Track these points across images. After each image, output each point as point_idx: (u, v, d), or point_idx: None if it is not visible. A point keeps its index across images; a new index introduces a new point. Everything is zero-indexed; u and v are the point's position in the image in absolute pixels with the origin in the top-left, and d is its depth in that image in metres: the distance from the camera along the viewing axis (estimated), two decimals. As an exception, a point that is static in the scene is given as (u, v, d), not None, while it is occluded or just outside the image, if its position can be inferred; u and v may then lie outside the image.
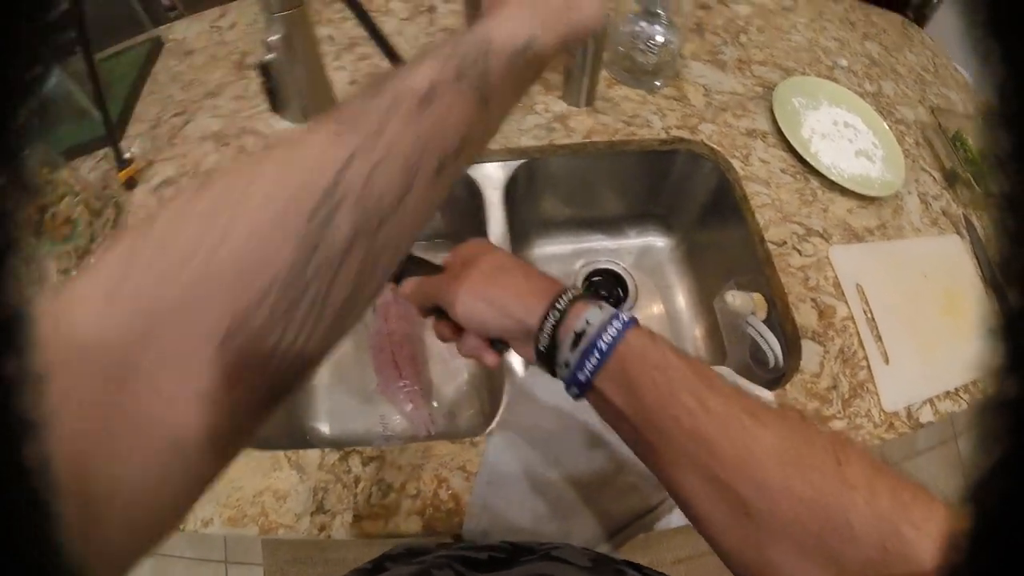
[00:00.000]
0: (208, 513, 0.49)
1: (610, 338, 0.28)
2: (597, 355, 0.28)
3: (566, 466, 0.52)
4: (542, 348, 0.31)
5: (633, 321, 0.30)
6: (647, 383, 0.27)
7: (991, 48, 0.09)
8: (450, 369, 0.72)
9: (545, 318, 0.30)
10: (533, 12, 0.26)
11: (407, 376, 0.68)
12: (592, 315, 0.29)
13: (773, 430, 0.25)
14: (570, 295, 0.31)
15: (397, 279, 0.37)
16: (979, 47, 0.09)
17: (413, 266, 0.37)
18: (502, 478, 0.52)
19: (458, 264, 0.35)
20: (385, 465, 0.53)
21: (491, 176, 0.69)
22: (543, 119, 0.71)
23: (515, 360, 0.58)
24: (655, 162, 0.74)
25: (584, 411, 0.53)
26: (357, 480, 0.51)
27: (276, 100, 0.64)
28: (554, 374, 0.32)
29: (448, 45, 0.24)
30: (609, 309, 0.30)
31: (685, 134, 0.71)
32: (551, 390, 0.55)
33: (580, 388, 0.30)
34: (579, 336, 0.29)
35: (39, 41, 0.09)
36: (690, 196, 0.77)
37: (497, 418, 0.55)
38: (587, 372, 0.29)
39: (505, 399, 0.56)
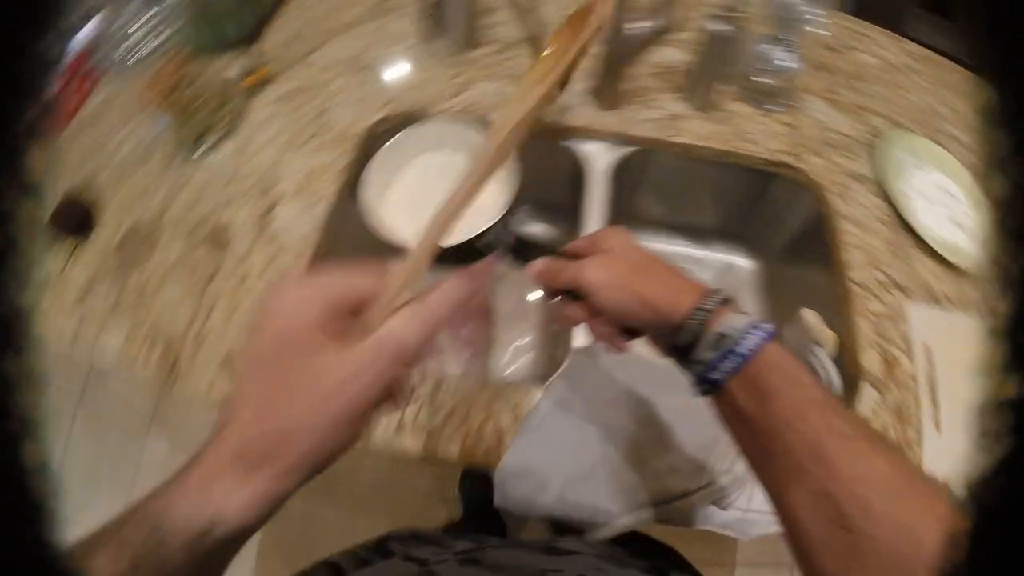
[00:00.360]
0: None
1: (752, 344, 0.30)
2: (737, 358, 0.30)
3: (611, 437, 0.54)
4: (682, 343, 0.32)
5: (773, 333, 0.31)
6: (778, 394, 0.29)
7: (990, 48, 0.09)
8: (514, 330, 0.74)
9: (691, 316, 0.31)
10: (212, 492, 0.22)
11: (472, 327, 0.70)
12: (736, 320, 0.31)
13: (886, 458, 0.26)
14: (718, 297, 0.32)
15: (521, 259, 0.38)
16: (978, 47, 0.09)
17: (534, 248, 0.38)
18: (548, 430, 0.54)
19: (600, 251, 0.36)
20: (441, 390, 0.56)
21: (599, 156, 0.71)
22: (658, 114, 0.74)
23: (582, 330, 0.61)
24: (756, 181, 0.75)
25: (641, 392, 0.56)
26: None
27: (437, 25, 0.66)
28: (683, 368, 0.34)
29: (125, 526, 0.21)
30: (752, 317, 0.31)
31: (790, 160, 0.72)
32: (614, 366, 0.57)
33: (711, 386, 0.31)
34: (721, 337, 0.30)
35: (40, 44, 0.09)
36: (782, 223, 0.78)
37: (555, 376, 0.57)
38: (723, 372, 0.30)
39: (566, 363, 0.58)
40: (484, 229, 0.51)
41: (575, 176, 0.72)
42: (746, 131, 0.74)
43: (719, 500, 0.52)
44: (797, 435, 0.28)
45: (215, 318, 0.61)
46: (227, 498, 0.22)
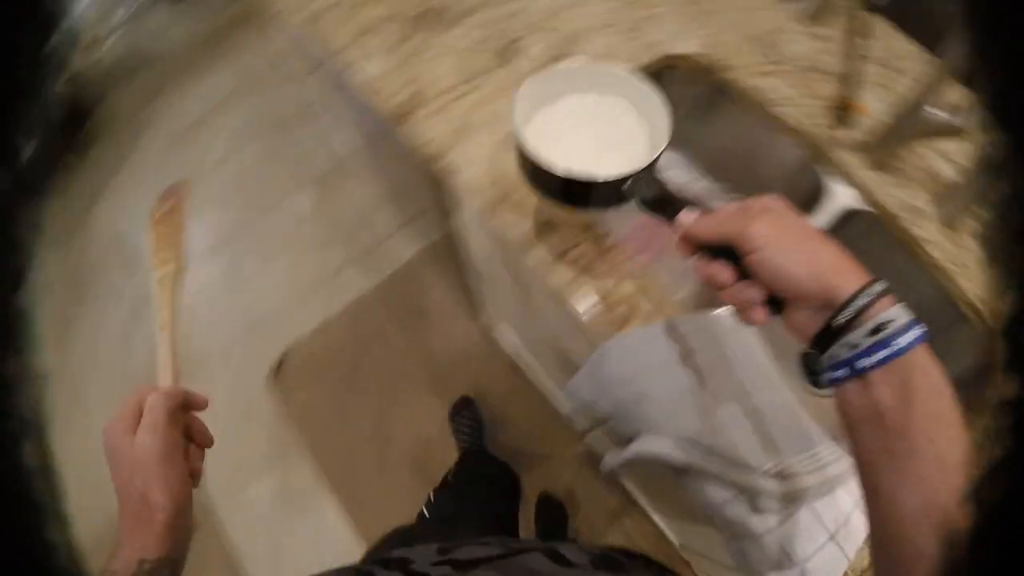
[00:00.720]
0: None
1: (911, 340, 0.29)
2: (891, 350, 0.29)
3: (701, 388, 0.54)
4: (837, 324, 0.31)
5: (928, 335, 0.30)
6: (921, 398, 0.28)
7: (990, 47, 0.09)
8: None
9: (856, 296, 0.30)
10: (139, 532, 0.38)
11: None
12: (899, 313, 0.30)
13: None
14: (881, 286, 0.31)
15: (669, 214, 0.38)
16: (977, 47, 0.09)
17: (676, 202, 0.38)
18: (650, 349, 0.55)
19: (763, 213, 0.34)
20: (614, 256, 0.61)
21: (837, 193, 0.68)
22: (906, 197, 0.66)
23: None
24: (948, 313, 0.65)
25: (744, 369, 0.55)
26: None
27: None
28: (823, 349, 0.32)
29: None
30: (911, 315, 0.30)
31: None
32: (729, 336, 0.56)
33: (851, 372, 0.30)
34: (880, 326, 0.29)
35: (38, 48, 0.09)
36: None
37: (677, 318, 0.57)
38: (872, 361, 0.29)
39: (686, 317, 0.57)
40: (631, 172, 0.46)
41: (802, 192, 0.70)
42: (969, 268, 0.63)
43: (757, 498, 0.49)
44: (930, 445, 0.27)
45: (468, 100, 0.70)
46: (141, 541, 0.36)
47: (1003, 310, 0.09)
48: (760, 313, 0.35)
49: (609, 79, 0.54)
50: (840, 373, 0.31)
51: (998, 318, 0.09)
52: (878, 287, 0.31)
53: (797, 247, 0.33)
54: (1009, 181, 0.09)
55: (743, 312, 0.35)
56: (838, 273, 0.32)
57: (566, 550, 0.39)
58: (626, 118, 0.54)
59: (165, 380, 0.48)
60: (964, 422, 0.28)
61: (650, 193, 0.42)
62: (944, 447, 0.27)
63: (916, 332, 0.29)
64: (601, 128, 0.54)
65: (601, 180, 0.46)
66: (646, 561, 0.45)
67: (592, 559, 0.39)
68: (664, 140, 0.48)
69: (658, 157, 0.47)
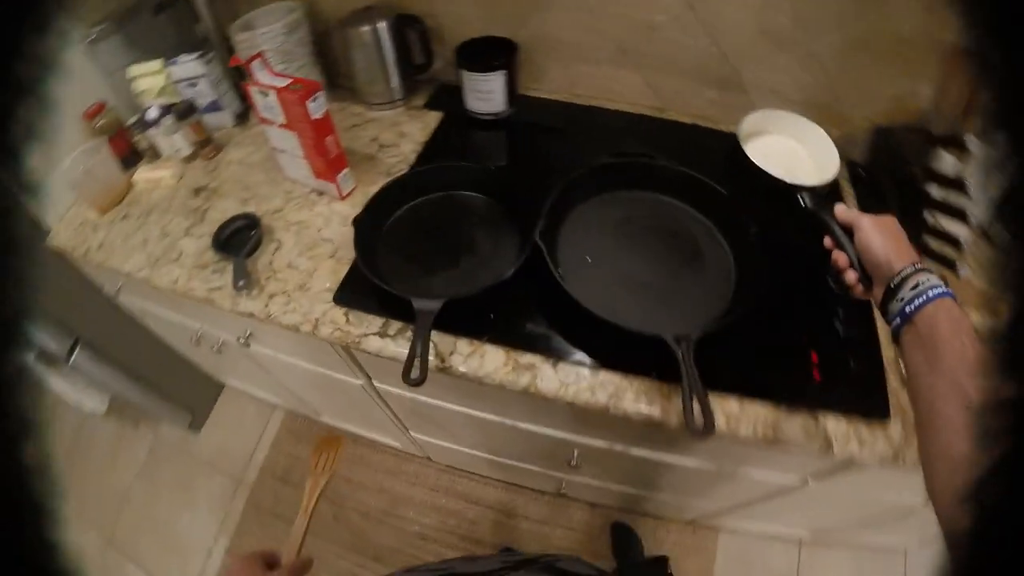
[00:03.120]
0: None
1: (937, 292, 0.44)
2: (923, 298, 0.44)
3: None
4: (892, 285, 0.49)
5: (952, 295, 0.45)
6: (946, 324, 0.42)
7: (990, 47, 0.09)
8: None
9: (903, 269, 0.49)
10: None
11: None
12: (932, 278, 0.46)
13: None
14: (926, 265, 0.48)
15: (816, 221, 0.61)
16: (977, 47, 0.09)
17: (827, 222, 0.59)
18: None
19: (875, 216, 0.55)
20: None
21: None
22: None
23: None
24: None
25: None
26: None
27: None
28: (886, 309, 0.50)
29: None
30: (941, 280, 0.46)
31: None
32: None
33: (902, 318, 0.46)
34: (917, 284, 0.46)
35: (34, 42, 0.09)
36: None
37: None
38: (912, 307, 0.45)
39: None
40: (806, 185, 0.77)
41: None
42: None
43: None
44: (951, 349, 0.40)
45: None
46: None
47: (1003, 310, 0.09)
48: (859, 286, 0.55)
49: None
50: (897, 320, 0.47)
51: (998, 318, 0.09)
52: (919, 264, 0.48)
53: (884, 237, 0.52)
54: (1009, 181, 0.09)
55: (852, 287, 0.56)
56: (899, 254, 0.50)
57: (568, 564, 0.42)
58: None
59: (291, 552, 0.62)
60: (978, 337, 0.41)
61: (815, 204, 0.63)
62: (960, 350, 0.39)
63: (942, 288, 0.45)
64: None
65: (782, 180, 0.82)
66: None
67: (597, 572, 0.42)
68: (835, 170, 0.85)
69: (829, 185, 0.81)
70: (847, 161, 1.03)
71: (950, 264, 0.80)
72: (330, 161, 0.89)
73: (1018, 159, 0.09)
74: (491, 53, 0.99)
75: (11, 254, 0.09)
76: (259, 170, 1.02)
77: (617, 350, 0.71)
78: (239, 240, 0.88)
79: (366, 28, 1.01)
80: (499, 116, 1.04)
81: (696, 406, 0.60)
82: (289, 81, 0.83)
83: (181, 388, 1.36)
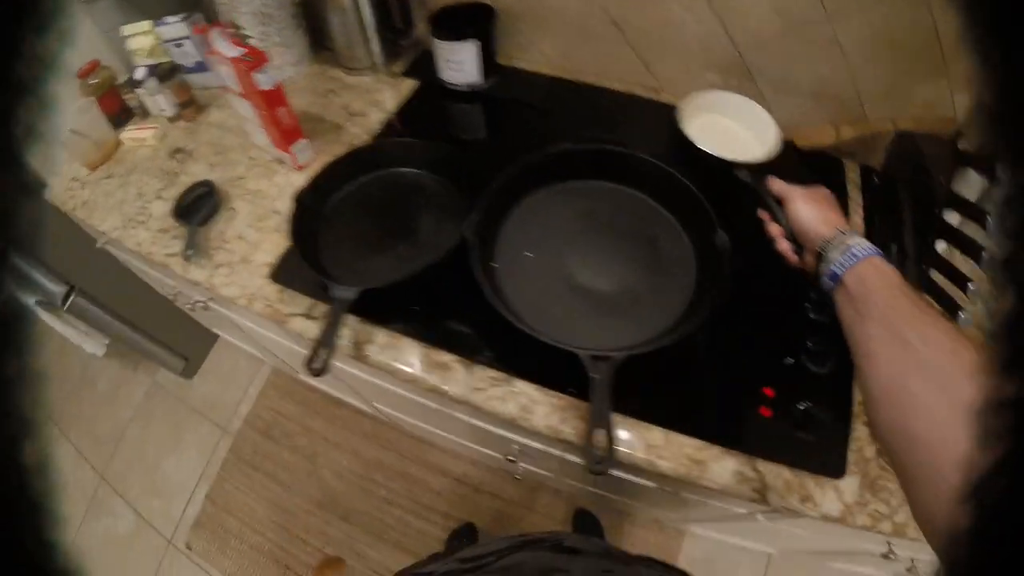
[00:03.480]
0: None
1: (863, 252, 0.46)
2: (851, 259, 0.46)
3: None
4: (820, 250, 0.51)
5: (881, 254, 0.46)
6: (874, 281, 0.44)
7: (990, 48, 0.09)
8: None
9: (831, 234, 0.50)
10: None
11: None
12: (859, 240, 0.48)
13: (946, 321, 0.38)
14: (853, 231, 0.50)
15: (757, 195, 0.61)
16: (978, 47, 0.09)
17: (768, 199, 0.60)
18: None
19: (806, 188, 0.58)
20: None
21: None
22: None
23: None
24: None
25: None
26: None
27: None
28: (818, 276, 0.50)
29: None
30: (869, 244, 0.47)
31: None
32: None
33: (833, 278, 0.47)
34: (846, 248, 0.47)
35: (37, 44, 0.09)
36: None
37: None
38: (841, 267, 0.47)
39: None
40: (745, 162, 0.74)
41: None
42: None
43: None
44: (886, 303, 0.41)
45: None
46: None
47: (1003, 310, 0.09)
48: (792, 256, 0.57)
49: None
50: (829, 283, 0.48)
51: (998, 318, 0.10)
52: (848, 231, 0.50)
53: (812, 207, 0.55)
54: (1009, 179, 0.09)
55: (786, 256, 0.57)
56: (827, 222, 0.53)
57: (573, 542, 0.44)
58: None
59: None
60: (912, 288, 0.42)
61: (754, 180, 0.63)
62: (891, 298, 0.41)
63: (868, 249, 0.46)
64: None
65: (719, 157, 0.77)
66: (649, 560, 0.51)
67: (601, 550, 0.45)
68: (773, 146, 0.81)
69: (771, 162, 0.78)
70: (860, 166, 0.91)
71: (952, 308, 0.68)
72: (283, 132, 0.87)
73: (1019, 157, 0.09)
74: (467, 20, 0.93)
75: (11, 253, 0.09)
76: (234, 134, 1.02)
77: (536, 360, 0.67)
78: (199, 207, 0.89)
79: (345, -9, 0.96)
80: (474, 88, 0.98)
81: (601, 436, 0.55)
82: (243, 51, 0.81)
83: (176, 335, 1.43)
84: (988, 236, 0.63)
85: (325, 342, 0.65)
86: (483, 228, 0.71)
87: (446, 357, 0.69)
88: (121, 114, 1.08)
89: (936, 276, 0.71)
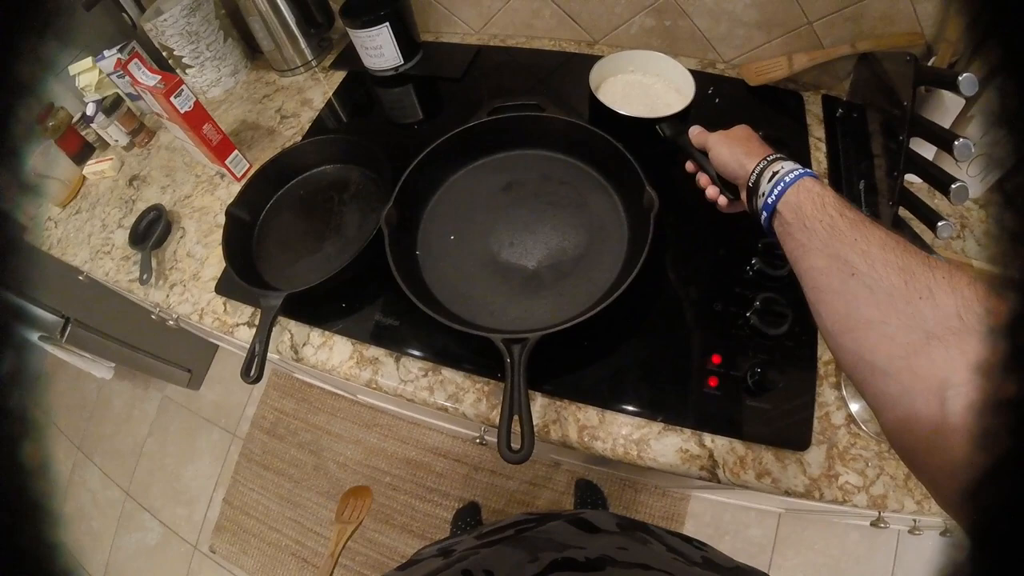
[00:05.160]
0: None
1: (793, 176, 0.44)
2: (781, 185, 0.44)
3: None
4: (750, 184, 0.49)
5: (812, 174, 0.44)
6: (811, 208, 0.41)
7: (991, 48, 0.09)
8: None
9: (757, 164, 0.48)
10: None
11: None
12: (787, 163, 0.46)
13: (883, 231, 0.37)
14: (777, 155, 0.48)
15: (678, 146, 0.62)
16: (978, 47, 0.09)
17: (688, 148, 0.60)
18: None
19: (724, 131, 0.56)
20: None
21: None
22: None
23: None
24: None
25: None
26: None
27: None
28: (753, 211, 0.48)
29: None
30: (797, 164, 0.45)
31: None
32: None
33: (768, 209, 0.46)
34: (774, 174, 0.46)
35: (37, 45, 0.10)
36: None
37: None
38: (774, 196, 0.44)
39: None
40: (665, 115, 0.73)
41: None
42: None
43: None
44: (826, 229, 0.39)
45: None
46: None
47: (1003, 310, 0.10)
48: (723, 200, 0.56)
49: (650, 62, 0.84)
50: (765, 217, 0.46)
51: (997, 318, 0.10)
52: (771, 157, 0.48)
53: (731, 146, 0.53)
54: (1011, 179, 0.10)
55: (717, 202, 0.57)
56: (749, 155, 0.50)
57: (592, 517, 0.44)
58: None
59: None
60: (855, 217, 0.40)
61: (675, 132, 0.65)
62: (829, 223, 0.39)
63: (798, 172, 0.44)
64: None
65: (638, 116, 0.74)
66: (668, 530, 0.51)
67: (620, 523, 0.44)
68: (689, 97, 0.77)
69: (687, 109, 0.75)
70: (824, 97, 0.87)
71: (923, 248, 0.64)
72: (214, 148, 0.91)
73: (1020, 157, 0.09)
74: (379, 3, 0.93)
75: (11, 253, 0.10)
76: (180, 154, 1.07)
77: (461, 347, 0.68)
78: (152, 231, 0.95)
79: (259, -6, 0.98)
80: (399, 70, 0.99)
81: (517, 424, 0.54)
82: (159, 79, 0.85)
83: (178, 350, 1.53)
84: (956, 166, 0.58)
85: (256, 350, 0.69)
86: (402, 217, 0.73)
87: (375, 351, 0.72)
88: (83, 150, 1.15)
89: (906, 213, 0.67)
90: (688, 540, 0.47)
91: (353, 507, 0.81)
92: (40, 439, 0.10)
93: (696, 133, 0.59)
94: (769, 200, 0.45)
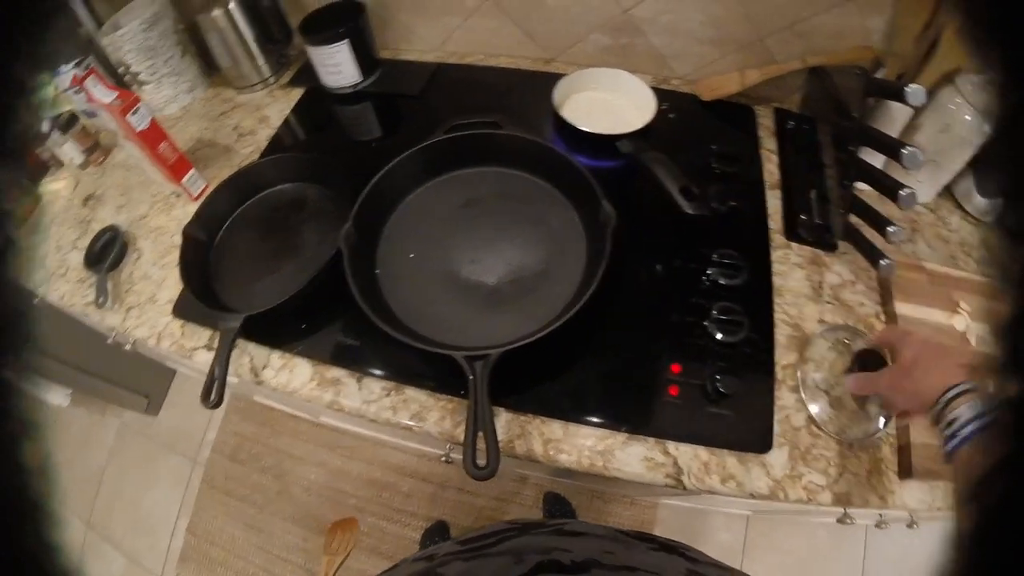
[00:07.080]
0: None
1: (968, 431, 0.42)
2: (957, 441, 0.43)
3: None
4: (932, 417, 0.47)
5: (989, 423, 0.39)
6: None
7: (991, 48, 0.09)
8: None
9: (935, 403, 0.47)
10: None
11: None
12: (965, 411, 0.44)
13: None
14: (958, 389, 0.45)
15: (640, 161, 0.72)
16: (979, 47, 0.09)
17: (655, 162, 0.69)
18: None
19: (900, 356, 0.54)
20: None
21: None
22: None
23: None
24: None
25: None
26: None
27: None
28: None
29: None
30: (975, 410, 0.43)
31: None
32: None
33: (947, 455, 0.44)
34: (950, 423, 0.44)
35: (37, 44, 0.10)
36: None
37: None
38: (948, 449, 0.43)
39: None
40: (625, 132, 0.78)
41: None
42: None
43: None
44: None
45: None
46: None
47: (1003, 310, 0.10)
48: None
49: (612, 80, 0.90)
50: (945, 452, 0.45)
51: (997, 318, 0.10)
52: (952, 393, 0.45)
53: (903, 394, 0.52)
54: (1009, 180, 0.09)
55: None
56: (930, 388, 0.47)
57: (576, 526, 0.45)
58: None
59: None
60: None
61: (637, 150, 0.76)
62: None
63: (974, 426, 0.42)
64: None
65: (597, 133, 0.80)
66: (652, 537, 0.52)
67: (602, 531, 0.45)
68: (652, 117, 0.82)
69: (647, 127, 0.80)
70: (775, 110, 0.92)
71: (872, 254, 0.70)
72: (170, 167, 0.92)
73: (1019, 158, 0.09)
74: (337, 20, 0.96)
75: (11, 253, 0.10)
76: (136, 173, 1.07)
77: (423, 365, 0.70)
78: (107, 253, 0.95)
79: (218, 12, 1.00)
80: (357, 87, 1.01)
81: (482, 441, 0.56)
82: (116, 95, 0.86)
83: (135, 375, 1.51)
84: (905, 172, 0.63)
85: (215, 374, 0.70)
86: (361, 235, 0.75)
87: (336, 372, 0.74)
88: (39, 168, 1.14)
89: (857, 220, 0.72)
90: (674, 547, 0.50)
91: (340, 539, 0.83)
92: (40, 439, 0.10)
93: (858, 385, 0.58)
94: (946, 449, 0.44)
